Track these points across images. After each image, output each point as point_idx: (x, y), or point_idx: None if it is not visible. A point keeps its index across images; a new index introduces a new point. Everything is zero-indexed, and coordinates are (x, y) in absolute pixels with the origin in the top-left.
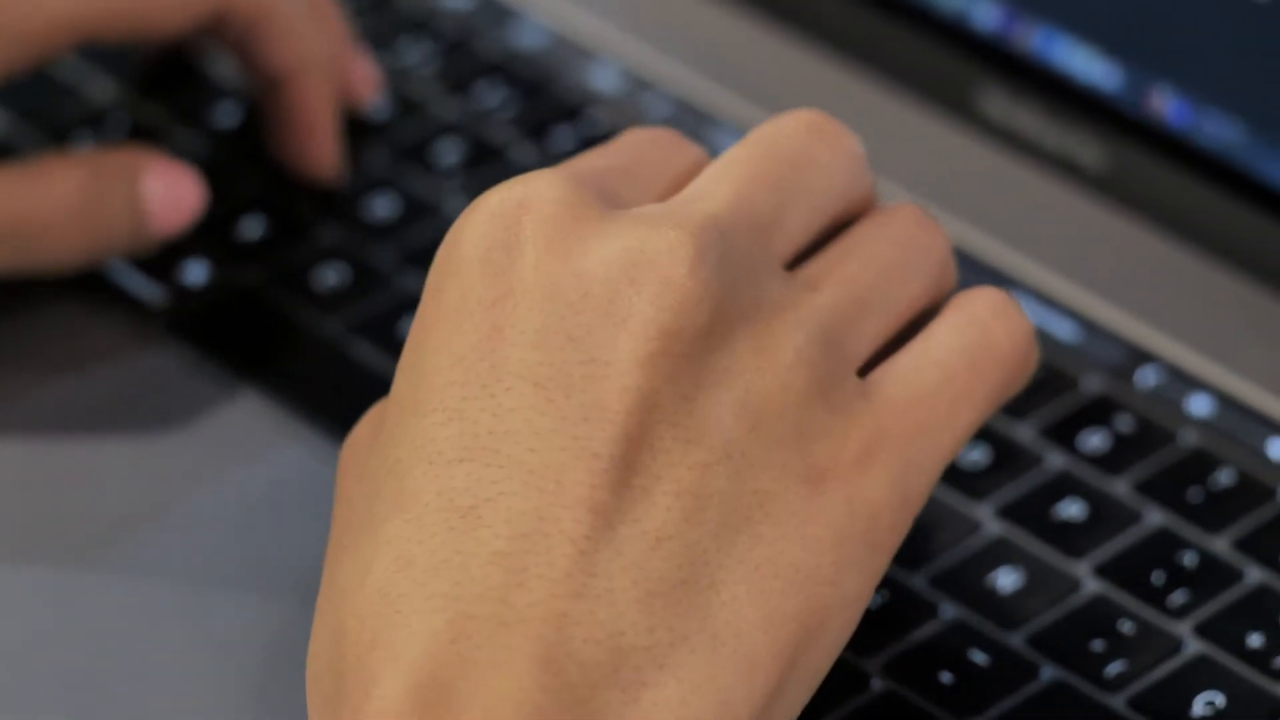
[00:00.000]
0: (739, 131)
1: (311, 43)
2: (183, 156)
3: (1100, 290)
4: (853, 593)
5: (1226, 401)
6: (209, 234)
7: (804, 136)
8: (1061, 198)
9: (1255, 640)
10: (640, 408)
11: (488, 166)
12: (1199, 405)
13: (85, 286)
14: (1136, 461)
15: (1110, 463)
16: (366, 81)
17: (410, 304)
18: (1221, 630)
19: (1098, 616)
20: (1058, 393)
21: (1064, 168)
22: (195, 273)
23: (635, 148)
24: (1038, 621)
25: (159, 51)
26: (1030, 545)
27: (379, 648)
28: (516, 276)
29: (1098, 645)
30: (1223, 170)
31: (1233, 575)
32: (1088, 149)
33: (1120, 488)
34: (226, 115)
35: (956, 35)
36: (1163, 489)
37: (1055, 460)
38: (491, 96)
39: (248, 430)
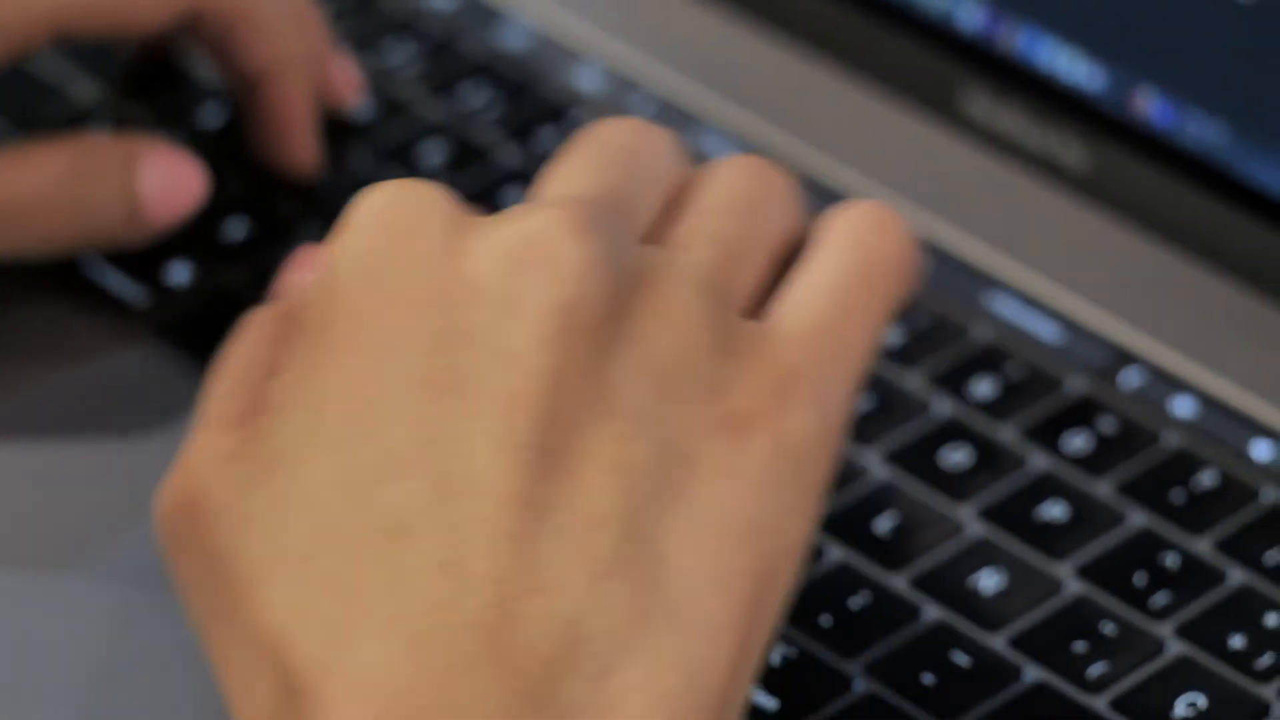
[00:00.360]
0: (723, 133)
1: (290, 42)
2: None
3: (1083, 291)
4: (795, 537)
5: (1210, 403)
6: (192, 234)
7: (627, 134)
8: (1045, 198)
9: (1237, 641)
10: (552, 390)
11: (472, 168)
12: (1182, 406)
13: (67, 286)
14: (1119, 463)
15: (1093, 464)
16: (348, 83)
17: None
18: (1203, 631)
19: (1080, 618)
20: (1040, 394)
21: (1047, 168)
22: (178, 273)
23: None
24: (1020, 623)
25: (142, 52)
26: (1012, 546)
27: (335, 677)
28: (400, 288)
29: (1080, 646)
30: (1206, 171)
31: (1215, 577)
32: (1071, 150)
33: (1103, 489)
34: (210, 116)
35: (940, 36)
36: (1145, 490)
37: (1038, 461)
38: (476, 98)
39: None
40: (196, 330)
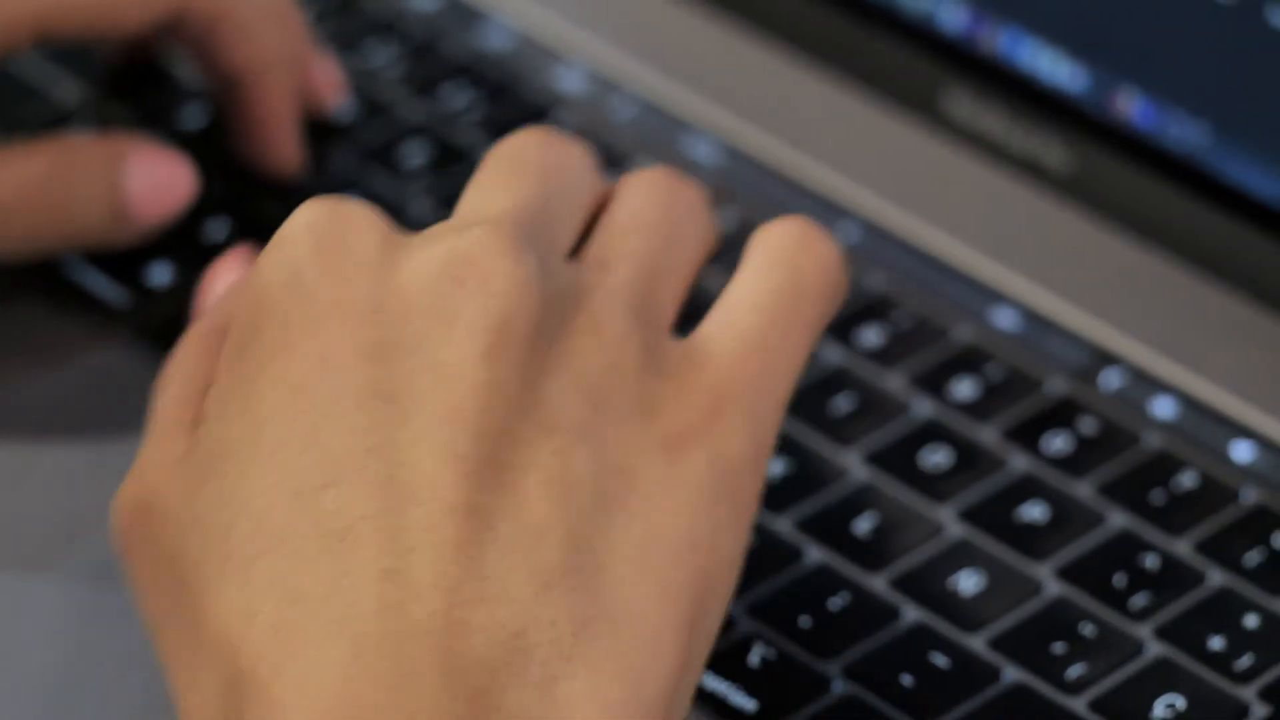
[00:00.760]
0: (705, 134)
1: (271, 42)
2: None
3: (1065, 292)
4: (732, 552)
5: (1190, 404)
6: (174, 235)
7: (543, 148)
8: (1027, 200)
9: (1216, 643)
10: (492, 403)
11: (453, 168)
12: (1162, 408)
13: (48, 286)
14: (1099, 464)
15: (1073, 465)
16: (330, 83)
17: None
18: (1183, 633)
19: (1059, 619)
20: (1021, 395)
21: (1029, 170)
22: (159, 274)
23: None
24: (999, 624)
25: (125, 53)
26: (992, 548)
27: (281, 679)
28: (334, 300)
29: (1058, 648)
30: (1188, 172)
31: (1194, 578)
32: (1053, 151)
33: (1082, 490)
34: (192, 117)
35: (922, 37)
36: (1126, 491)
37: (1018, 463)
38: (458, 98)
39: None
40: (177, 331)
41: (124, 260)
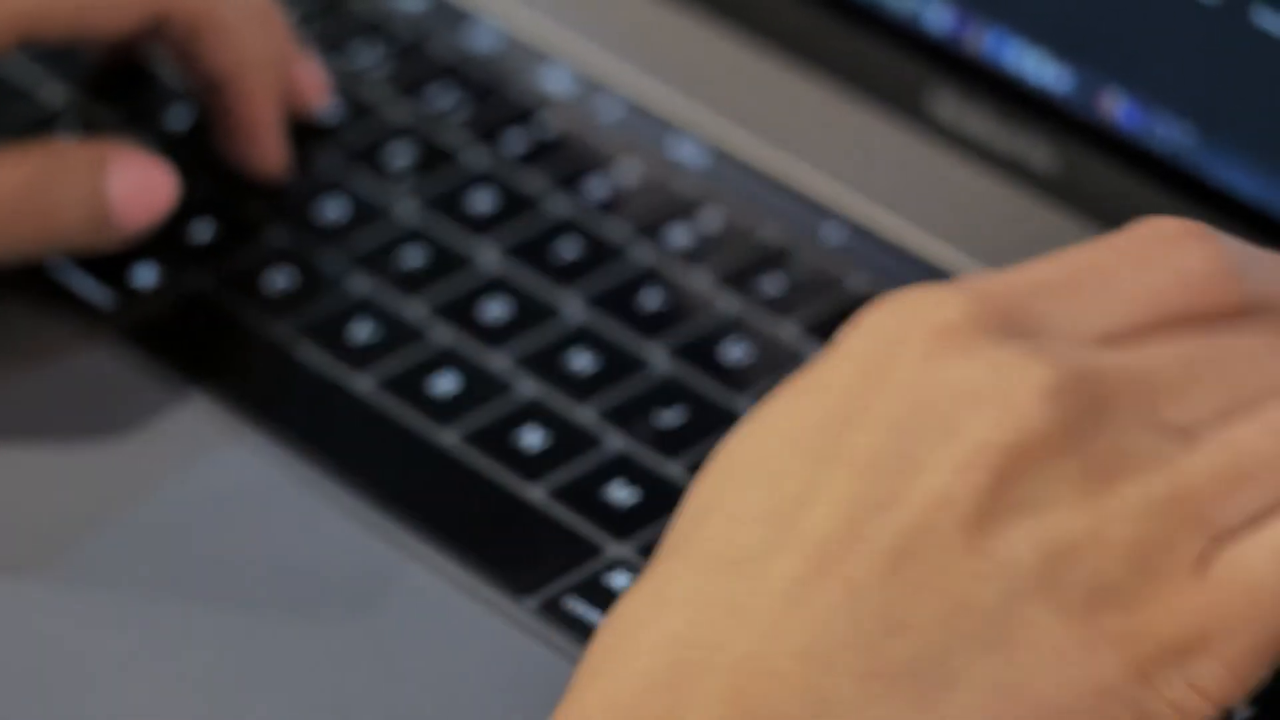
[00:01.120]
0: (690, 135)
1: (254, 44)
2: None
3: None
4: None
5: None
6: (159, 236)
7: (1217, 290)
8: (1012, 200)
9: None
10: (934, 506)
11: (440, 169)
12: None
13: (32, 288)
14: None
15: None
16: (314, 85)
17: (359, 307)
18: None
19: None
20: None
21: (1015, 170)
22: (144, 275)
23: (1109, 253)
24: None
25: (110, 54)
26: None
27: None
28: (878, 375)
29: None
30: (1173, 173)
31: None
32: (1038, 151)
33: None
34: (177, 118)
35: (908, 37)
36: None
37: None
38: (443, 99)
39: (195, 433)
40: (163, 332)
41: (109, 262)
